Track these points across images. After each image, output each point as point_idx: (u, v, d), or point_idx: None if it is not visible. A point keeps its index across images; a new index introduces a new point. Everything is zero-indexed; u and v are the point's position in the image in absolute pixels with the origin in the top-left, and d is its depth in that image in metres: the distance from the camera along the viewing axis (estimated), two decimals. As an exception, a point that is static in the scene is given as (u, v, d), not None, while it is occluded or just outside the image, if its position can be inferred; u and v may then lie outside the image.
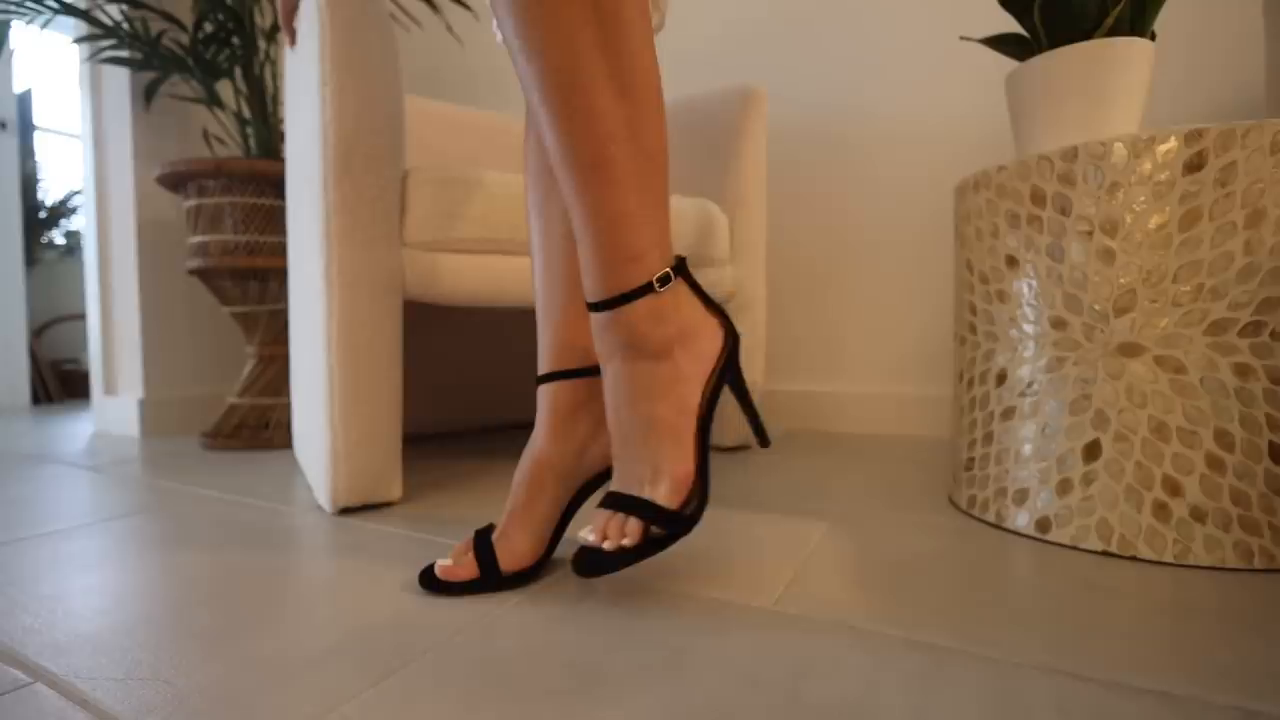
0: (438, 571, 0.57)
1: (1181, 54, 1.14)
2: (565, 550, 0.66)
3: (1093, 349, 0.66)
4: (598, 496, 0.58)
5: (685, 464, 0.52)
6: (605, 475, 0.61)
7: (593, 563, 0.53)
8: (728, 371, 0.56)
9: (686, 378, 0.54)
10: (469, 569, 0.57)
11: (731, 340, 0.57)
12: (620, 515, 0.52)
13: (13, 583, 0.60)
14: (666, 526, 0.51)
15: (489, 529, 0.60)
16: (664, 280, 0.52)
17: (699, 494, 0.53)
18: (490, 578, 0.57)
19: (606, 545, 0.51)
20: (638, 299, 0.51)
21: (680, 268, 0.54)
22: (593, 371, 0.60)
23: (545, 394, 0.61)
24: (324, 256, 0.78)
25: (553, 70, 0.47)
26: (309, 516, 0.81)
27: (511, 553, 0.58)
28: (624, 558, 0.51)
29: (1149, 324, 0.63)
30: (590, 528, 0.52)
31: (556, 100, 0.48)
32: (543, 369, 0.62)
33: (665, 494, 0.52)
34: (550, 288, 0.62)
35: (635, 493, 0.52)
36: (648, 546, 0.52)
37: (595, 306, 0.52)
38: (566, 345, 0.61)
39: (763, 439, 0.61)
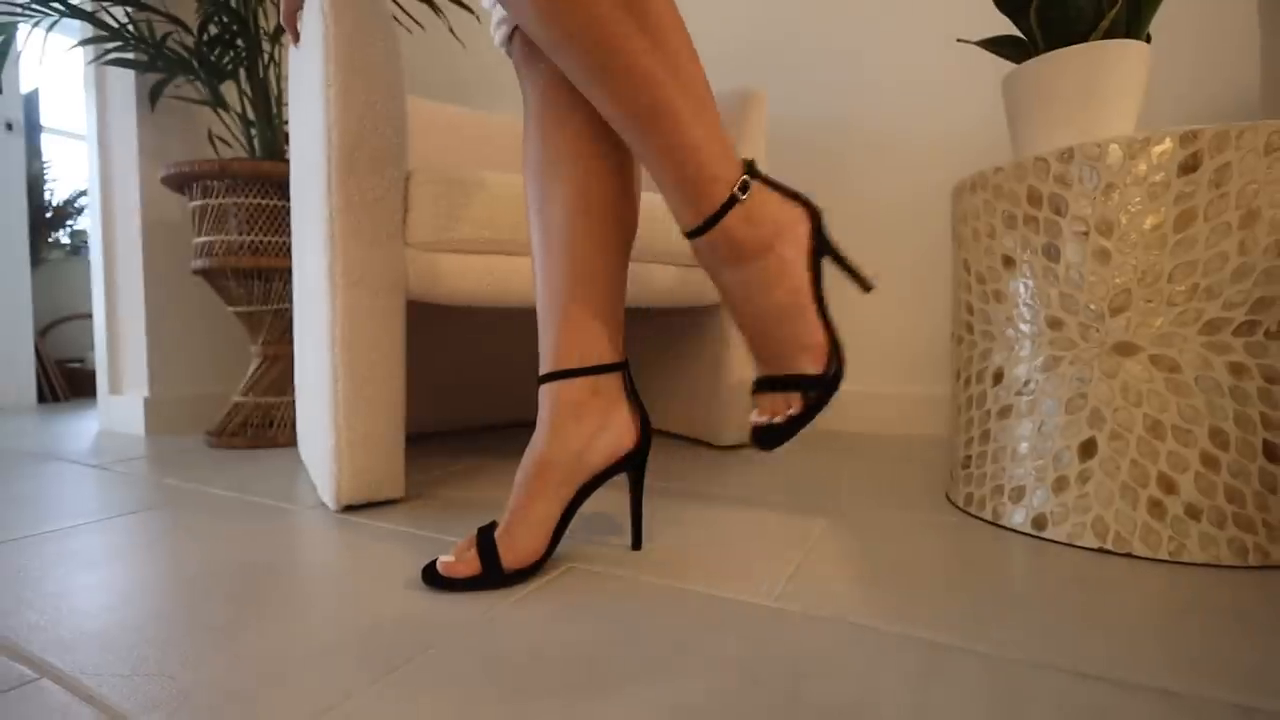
0: (440, 568, 0.58)
1: (1177, 56, 1.14)
2: (565, 548, 0.67)
3: (1088, 348, 0.66)
4: (605, 491, 0.59)
5: (816, 334, 0.57)
6: (606, 474, 0.62)
7: (771, 436, 0.58)
8: (819, 242, 0.59)
9: (790, 262, 0.57)
10: (471, 566, 0.58)
11: (815, 218, 0.59)
12: (779, 393, 0.58)
13: (19, 579, 0.61)
14: (821, 390, 0.57)
15: (491, 526, 0.61)
16: (744, 188, 0.55)
17: (836, 355, 0.57)
18: (492, 575, 0.58)
19: (778, 419, 0.57)
20: (728, 212, 0.55)
21: (752, 170, 0.57)
22: (593, 370, 0.61)
23: (547, 393, 0.62)
24: (328, 256, 0.79)
25: (588, 46, 0.51)
26: (313, 514, 0.82)
27: (514, 550, 0.59)
28: (796, 424, 0.57)
29: (1144, 323, 0.63)
30: (757, 410, 0.59)
31: (598, 70, 0.52)
32: (544, 369, 0.63)
33: (810, 364, 0.57)
34: (551, 286, 0.63)
35: (785, 371, 0.57)
36: (811, 411, 0.57)
37: (694, 233, 0.57)
38: (568, 344, 0.62)
39: (864, 285, 0.62)
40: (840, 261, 0.61)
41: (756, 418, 0.59)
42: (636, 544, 0.67)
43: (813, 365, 0.57)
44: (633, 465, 0.63)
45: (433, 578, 0.58)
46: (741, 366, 1.22)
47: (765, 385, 0.59)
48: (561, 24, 0.51)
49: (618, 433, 0.62)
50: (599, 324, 0.62)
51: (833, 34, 1.47)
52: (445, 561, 0.58)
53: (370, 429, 0.82)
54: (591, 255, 0.62)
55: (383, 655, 0.46)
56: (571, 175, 0.62)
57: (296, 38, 0.92)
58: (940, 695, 0.40)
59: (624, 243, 0.65)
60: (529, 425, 1.54)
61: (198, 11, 1.39)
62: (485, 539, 0.59)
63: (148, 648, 0.47)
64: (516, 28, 0.64)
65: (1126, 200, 0.63)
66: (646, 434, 0.63)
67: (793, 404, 0.57)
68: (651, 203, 1.06)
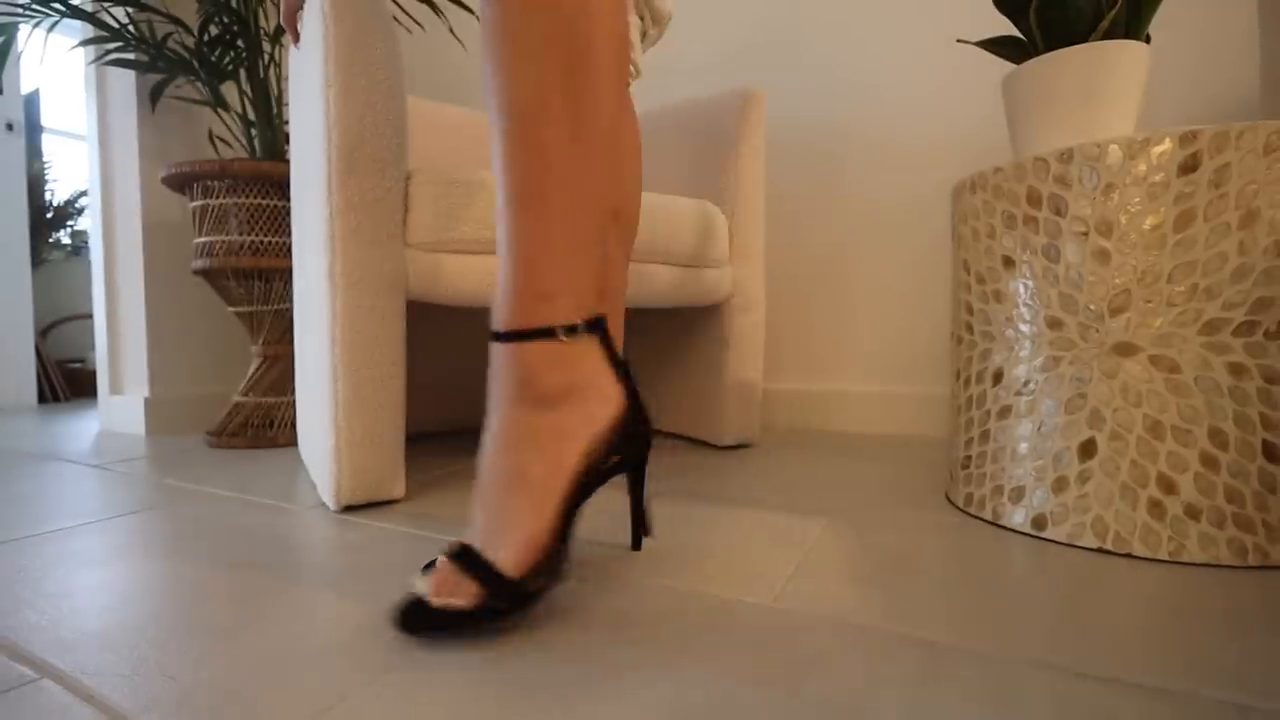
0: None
1: (1176, 56, 1.14)
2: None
3: (1088, 348, 0.66)
4: (603, 490, 0.56)
5: (538, 525, 0.47)
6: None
7: (414, 614, 0.46)
8: (623, 443, 0.52)
9: (569, 435, 0.49)
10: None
11: (632, 413, 0.52)
12: (461, 572, 0.46)
13: (19, 580, 0.61)
14: (502, 601, 0.46)
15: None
16: (570, 330, 0.49)
17: (550, 567, 0.48)
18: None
19: (434, 599, 0.46)
20: (537, 339, 0.49)
21: (596, 325, 0.51)
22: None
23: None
24: (328, 256, 0.79)
25: (512, 99, 0.47)
26: (313, 514, 0.82)
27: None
28: (449, 617, 0.46)
29: (1144, 324, 0.63)
30: (430, 579, 0.47)
31: (508, 125, 0.48)
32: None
33: (509, 558, 0.46)
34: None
35: (479, 550, 0.47)
36: (481, 613, 0.46)
37: (495, 337, 0.50)
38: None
39: (636, 542, 0.62)
40: (636, 492, 0.57)
41: (418, 583, 0.47)
42: (636, 545, 0.67)
43: (513, 562, 0.46)
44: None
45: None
46: (741, 366, 1.22)
47: (456, 552, 0.47)
48: (503, 58, 0.47)
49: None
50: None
51: (833, 34, 1.47)
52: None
53: (370, 429, 0.82)
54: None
55: (382, 656, 0.46)
56: None
57: (297, 38, 0.92)
58: (939, 695, 0.40)
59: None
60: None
61: (198, 12, 1.39)
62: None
63: (148, 648, 0.47)
64: None
65: (1126, 200, 0.64)
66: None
67: (462, 594, 0.46)
68: (651, 202, 1.06)
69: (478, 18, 1.63)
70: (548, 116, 0.47)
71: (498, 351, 0.50)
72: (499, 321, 0.50)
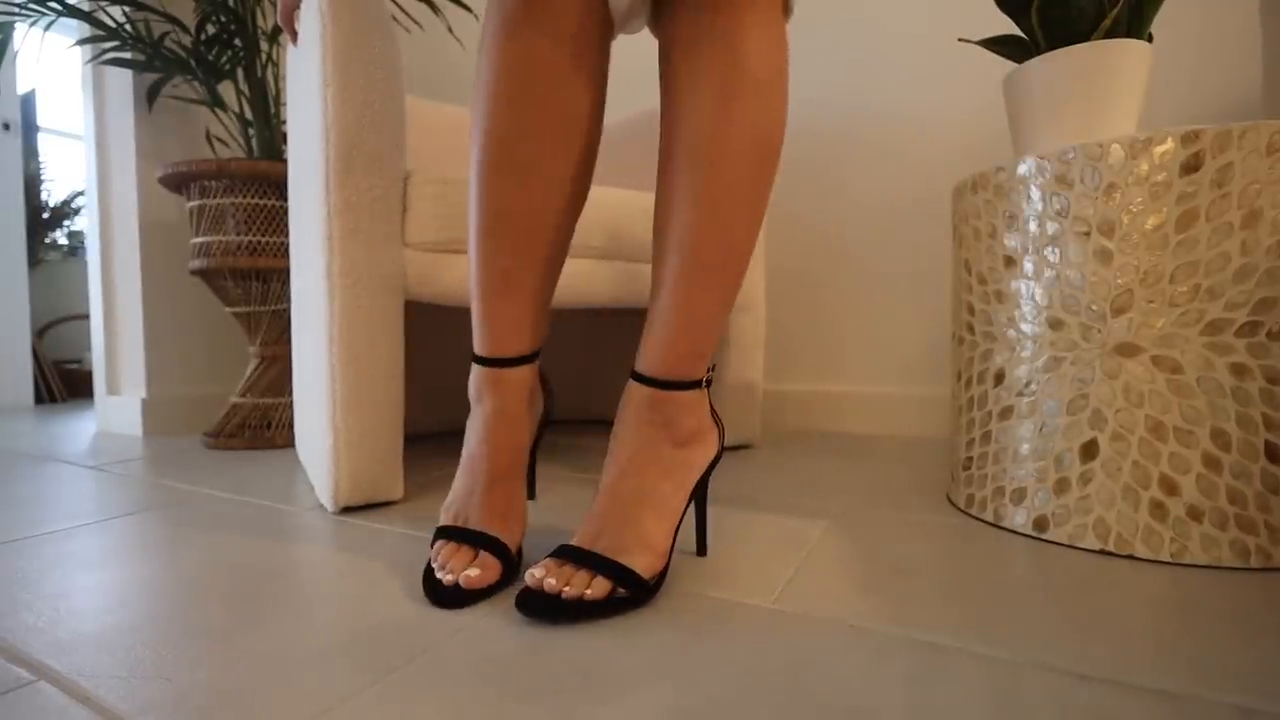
0: (464, 582, 0.54)
1: (1178, 56, 1.14)
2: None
3: (1090, 349, 0.66)
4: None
5: (667, 540, 0.56)
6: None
7: (544, 606, 0.51)
8: (708, 473, 0.62)
9: (693, 466, 0.59)
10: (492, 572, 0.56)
11: (720, 452, 0.63)
12: (585, 569, 0.52)
13: (16, 581, 0.61)
14: (636, 595, 0.53)
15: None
16: (708, 382, 0.60)
17: (665, 571, 0.56)
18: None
19: (568, 591, 0.51)
20: (688, 389, 0.58)
21: (710, 379, 0.61)
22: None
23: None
24: (326, 257, 0.78)
25: (718, 190, 0.56)
26: (311, 516, 0.82)
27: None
28: (582, 608, 0.51)
29: (1146, 324, 0.63)
30: (544, 571, 0.52)
31: (708, 211, 0.56)
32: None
33: (644, 564, 0.54)
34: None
35: (611, 555, 0.53)
36: (608, 605, 0.52)
37: (654, 383, 0.58)
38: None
39: (703, 548, 0.66)
40: (702, 506, 0.65)
41: (543, 578, 0.51)
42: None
43: (647, 567, 0.54)
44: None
45: (451, 596, 0.54)
46: (741, 367, 1.21)
47: (577, 555, 0.53)
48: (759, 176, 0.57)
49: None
50: None
51: (833, 34, 1.47)
52: (469, 575, 0.54)
53: (368, 430, 0.81)
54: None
55: (381, 657, 0.46)
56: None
57: (294, 38, 0.92)
58: (940, 697, 0.40)
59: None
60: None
61: (195, 11, 1.38)
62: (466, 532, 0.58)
63: (145, 649, 0.47)
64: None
65: (1128, 200, 0.63)
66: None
67: (595, 588, 0.51)
68: (650, 202, 1.06)
69: (477, 18, 1.63)
70: (739, 203, 0.57)
71: (645, 393, 0.58)
72: (658, 370, 0.58)
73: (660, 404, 0.58)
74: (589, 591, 0.51)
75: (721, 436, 0.63)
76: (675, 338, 0.57)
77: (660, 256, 0.58)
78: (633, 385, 0.59)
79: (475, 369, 0.62)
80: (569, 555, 0.54)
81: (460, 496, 0.61)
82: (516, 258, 0.60)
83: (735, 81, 0.54)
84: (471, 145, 0.60)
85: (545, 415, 0.70)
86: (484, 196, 0.59)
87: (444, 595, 0.54)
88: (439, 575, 0.56)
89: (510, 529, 0.60)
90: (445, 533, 0.60)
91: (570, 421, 1.60)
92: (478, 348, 0.62)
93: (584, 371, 1.61)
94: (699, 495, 0.63)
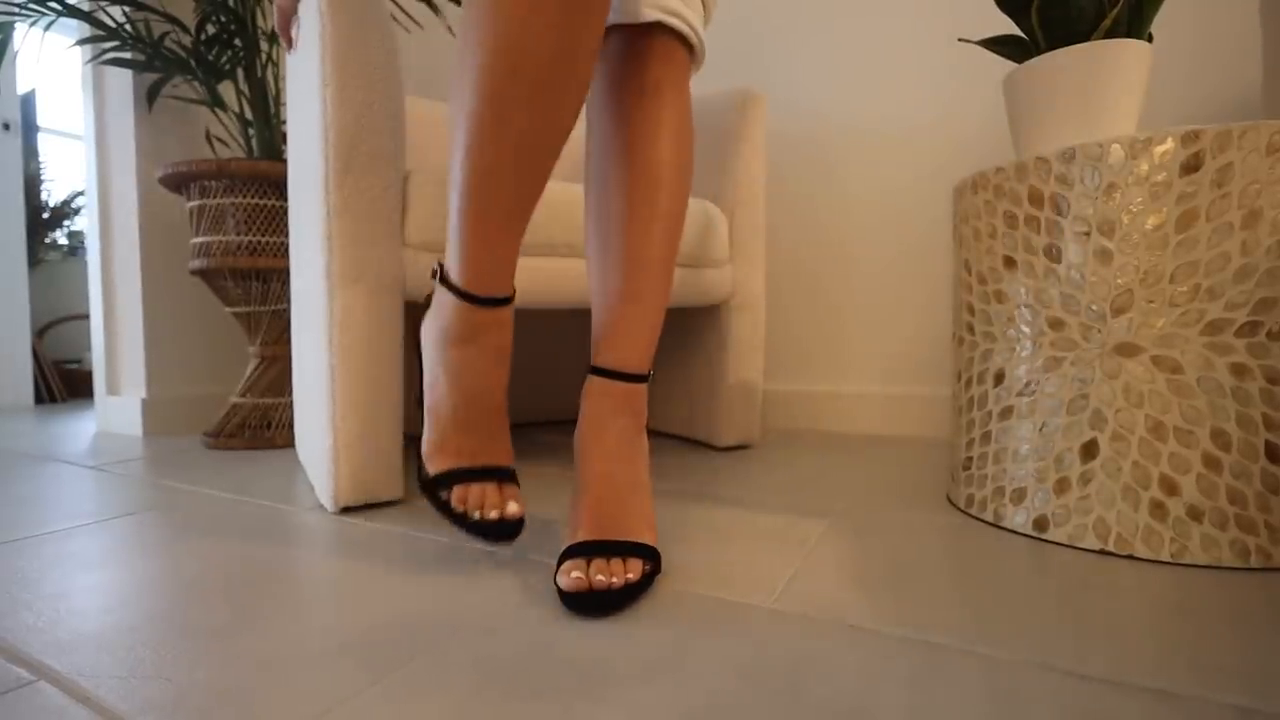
0: (507, 514, 0.60)
1: (1178, 56, 1.14)
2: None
3: (1090, 349, 0.66)
4: None
5: (652, 514, 0.62)
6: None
7: (605, 602, 0.53)
8: None
9: (648, 450, 0.67)
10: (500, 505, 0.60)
11: None
12: (613, 559, 0.56)
13: (16, 581, 0.61)
14: (656, 562, 0.58)
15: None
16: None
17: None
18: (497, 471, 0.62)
19: (616, 582, 0.53)
20: (646, 380, 0.66)
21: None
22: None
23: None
24: (325, 257, 0.78)
25: (674, 210, 0.67)
26: (310, 515, 0.82)
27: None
28: (632, 591, 0.54)
29: (1146, 324, 0.63)
30: (590, 570, 0.54)
31: (670, 226, 0.66)
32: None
33: (653, 539, 0.59)
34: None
35: (628, 538, 0.57)
36: (648, 580, 0.57)
37: (627, 377, 0.64)
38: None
39: None
40: None
41: (594, 577, 0.53)
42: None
43: (652, 538, 0.59)
44: None
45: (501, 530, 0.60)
46: (741, 367, 1.21)
47: (603, 549, 0.56)
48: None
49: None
50: None
51: (833, 34, 1.47)
52: (511, 510, 0.60)
53: (368, 430, 0.81)
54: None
55: (381, 656, 0.46)
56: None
57: (290, 43, 0.92)
58: (940, 697, 0.40)
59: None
60: (527, 425, 1.54)
61: (195, 11, 1.38)
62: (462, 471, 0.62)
63: (145, 649, 0.47)
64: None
65: (1128, 200, 0.63)
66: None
67: (633, 570, 0.55)
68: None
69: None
70: (681, 219, 0.69)
71: (620, 389, 0.64)
72: (636, 366, 0.64)
73: (632, 396, 0.64)
74: (630, 575, 0.54)
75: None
76: (646, 335, 0.65)
77: (618, 264, 0.65)
78: (605, 381, 0.64)
79: (466, 307, 0.60)
80: (594, 550, 0.56)
81: (453, 436, 0.63)
82: (534, 185, 0.58)
83: (679, 133, 0.67)
84: (468, 73, 0.54)
85: None
86: (507, 117, 0.54)
87: (500, 530, 0.59)
88: (480, 515, 0.59)
89: (510, 458, 0.65)
90: (464, 474, 0.61)
91: (564, 421, 1.60)
92: (477, 287, 0.59)
93: (575, 371, 1.61)
94: None
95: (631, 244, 0.65)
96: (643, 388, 0.65)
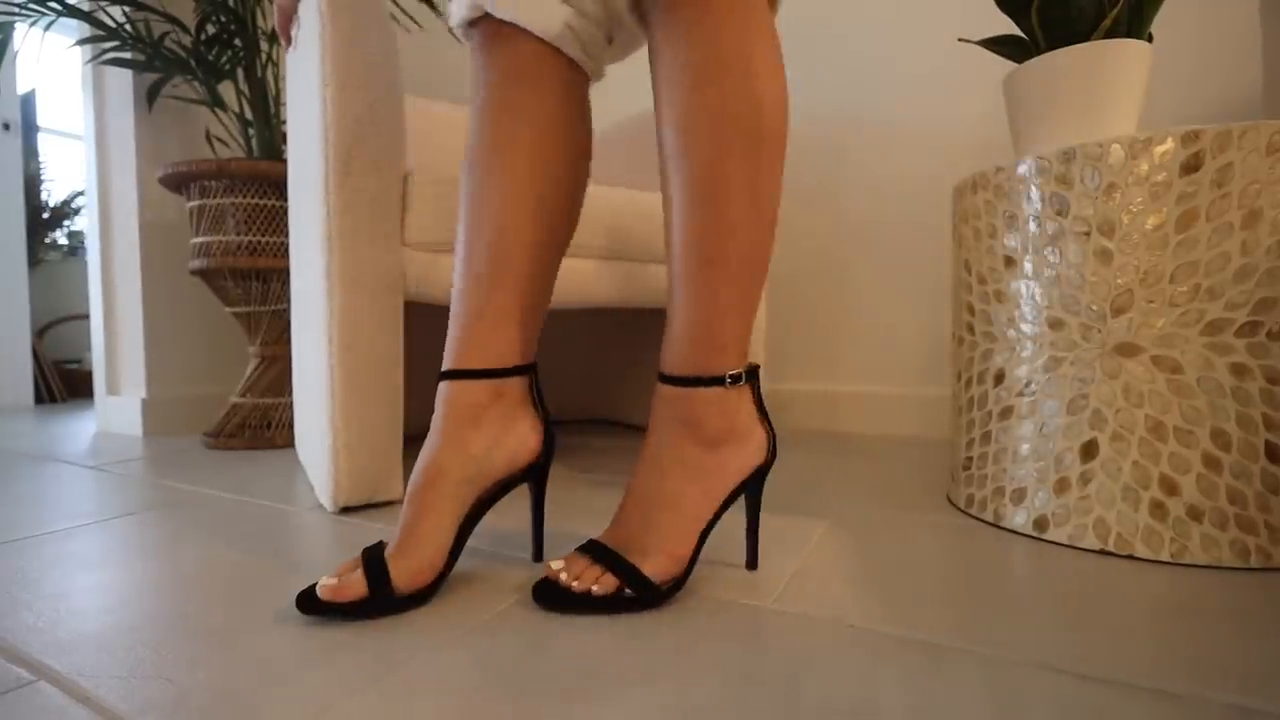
0: (321, 592, 0.50)
1: (1178, 56, 1.14)
2: (559, 552, 0.67)
3: (1090, 349, 0.66)
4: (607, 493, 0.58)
5: (686, 548, 0.55)
6: (505, 485, 0.59)
7: (555, 596, 0.53)
8: (752, 484, 0.59)
9: (724, 472, 0.56)
10: (357, 588, 0.51)
11: (770, 458, 0.59)
12: (599, 565, 0.54)
13: (16, 581, 0.61)
14: (642, 594, 0.53)
15: (380, 546, 0.55)
16: (736, 379, 0.56)
17: (683, 580, 0.55)
18: (382, 598, 0.51)
19: (576, 585, 0.52)
20: (709, 386, 0.55)
21: (753, 373, 0.58)
22: (499, 374, 0.58)
23: (443, 393, 0.57)
24: (325, 256, 0.78)
25: (704, 177, 0.53)
26: (310, 515, 0.82)
27: (407, 570, 0.52)
28: (588, 602, 0.52)
29: (1146, 324, 0.63)
30: (564, 564, 0.54)
31: (698, 200, 0.54)
32: (445, 365, 0.59)
33: (657, 567, 0.53)
34: (471, 278, 0.59)
35: (626, 554, 0.54)
36: (615, 602, 0.52)
37: (671, 380, 0.56)
38: (474, 342, 0.58)
39: (754, 562, 0.63)
40: (754, 515, 0.61)
41: (559, 570, 0.53)
42: (538, 556, 0.64)
43: (660, 571, 0.53)
44: (533, 476, 0.60)
45: (310, 604, 0.51)
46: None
47: (595, 550, 0.54)
48: (692, 144, 0.54)
49: (518, 441, 0.58)
50: (514, 325, 0.58)
51: (834, 34, 1.47)
52: (327, 584, 0.50)
53: (368, 430, 0.81)
54: (521, 253, 0.59)
55: (381, 656, 0.46)
56: (512, 165, 0.58)
57: (289, 42, 0.92)
58: (940, 697, 0.40)
59: (560, 243, 0.63)
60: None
61: (195, 11, 1.38)
62: (373, 558, 0.53)
63: (145, 649, 0.47)
64: (483, 17, 0.60)
65: (1128, 200, 0.63)
66: (549, 444, 0.60)
67: (603, 584, 0.52)
68: (653, 202, 1.06)
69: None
70: (733, 189, 0.53)
71: (668, 392, 0.57)
72: (673, 367, 0.56)
73: (680, 402, 0.56)
74: (595, 587, 0.52)
75: (771, 440, 0.59)
76: (688, 332, 0.56)
77: (667, 251, 0.57)
78: (657, 385, 0.58)
79: (489, 384, 0.58)
80: (590, 551, 0.55)
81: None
82: (530, 281, 0.60)
83: (706, 68, 0.53)
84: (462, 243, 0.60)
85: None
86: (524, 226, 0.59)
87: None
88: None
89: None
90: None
91: (574, 422, 1.60)
92: (500, 361, 0.58)
93: (587, 372, 1.61)
94: (751, 503, 0.60)
95: (669, 233, 0.57)
96: (695, 393, 0.55)
